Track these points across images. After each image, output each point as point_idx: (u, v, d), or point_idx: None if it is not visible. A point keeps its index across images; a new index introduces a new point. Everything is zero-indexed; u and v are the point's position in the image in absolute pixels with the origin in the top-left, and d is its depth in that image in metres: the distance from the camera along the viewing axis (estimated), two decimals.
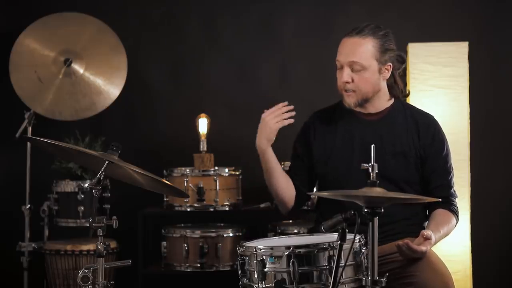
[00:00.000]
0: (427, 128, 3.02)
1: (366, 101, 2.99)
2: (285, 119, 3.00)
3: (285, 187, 3.06)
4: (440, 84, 3.98)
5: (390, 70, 3.01)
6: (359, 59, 2.94)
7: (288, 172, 3.15)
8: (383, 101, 3.04)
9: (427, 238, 2.77)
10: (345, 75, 2.95)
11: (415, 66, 3.96)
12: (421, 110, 3.13)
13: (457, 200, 3.05)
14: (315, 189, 3.20)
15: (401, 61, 3.09)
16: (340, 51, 2.98)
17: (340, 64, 2.97)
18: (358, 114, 3.04)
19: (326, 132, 3.06)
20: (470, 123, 4.00)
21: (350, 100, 2.98)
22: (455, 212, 3.00)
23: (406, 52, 3.97)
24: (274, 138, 3.01)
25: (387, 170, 2.90)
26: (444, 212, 2.97)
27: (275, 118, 2.99)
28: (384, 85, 3.03)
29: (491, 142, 4.54)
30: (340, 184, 2.92)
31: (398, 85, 3.10)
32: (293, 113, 3.00)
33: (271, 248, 2.47)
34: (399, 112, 3.06)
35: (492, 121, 4.56)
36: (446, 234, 2.96)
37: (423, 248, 2.74)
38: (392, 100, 3.08)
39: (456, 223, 3.02)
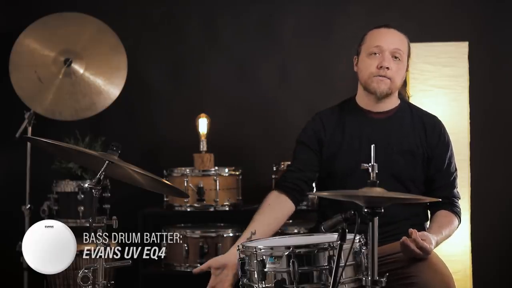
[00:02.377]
0: (433, 129, 3.03)
1: (391, 94, 2.99)
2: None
3: (279, 220, 2.97)
4: (440, 84, 3.99)
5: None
6: (402, 48, 2.98)
7: (291, 166, 3.06)
8: (393, 101, 3.05)
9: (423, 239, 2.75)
10: (387, 60, 2.94)
11: (415, 66, 3.96)
12: (425, 111, 3.13)
13: (460, 201, 3.04)
14: (315, 189, 3.19)
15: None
16: (380, 39, 2.98)
17: (380, 50, 2.95)
18: (366, 112, 3.04)
19: (334, 131, 3.04)
20: (470, 123, 4.00)
21: (382, 86, 2.95)
22: (457, 213, 2.99)
23: None
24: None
25: (395, 168, 2.92)
26: (446, 213, 2.97)
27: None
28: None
29: (491, 142, 4.54)
30: (346, 183, 2.91)
31: (405, 89, 3.13)
32: None
33: (271, 248, 2.47)
34: (406, 112, 3.06)
35: (492, 121, 4.56)
36: (449, 236, 2.95)
37: (427, 245, 2.72)
38: (399, 100, 3.08)
39: (458, 225, 3.01)
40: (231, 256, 2.71)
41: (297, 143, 3.10)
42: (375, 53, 2.96)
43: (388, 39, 2.98)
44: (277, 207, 3.00)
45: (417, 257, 2.74)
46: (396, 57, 2.96)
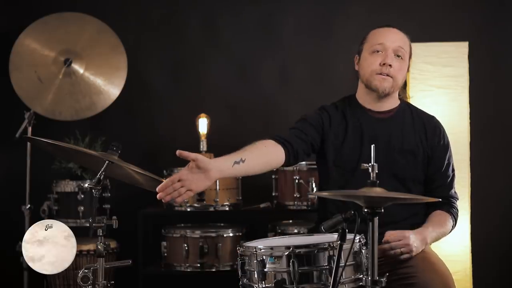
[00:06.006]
0: (433, 130, 3.04)
1: (392, 92, 2.99)
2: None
3: (267, 165, 2.88)
4: (440, 84, 3.99)
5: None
6: (405, 47, 2.99)
7: (291, 131, 3.00)
8: (394, 101, 3.05)
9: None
10: (389, 57, 2.94)
11: (415, 66, 3.96)
12: (424, 111, 3.14)
13: (458, 202, 3.04)
14: (315, 189, 3.18)
15: None
16: (383, 37, 2.98)
17: (383, 48, 2.96)
18: (368, 111, 3.04)
19: (339, 127, 3.02)
20: (470, 123, 4.00)
21: (385, 84, 2.95)
22: (452, 214, 2.99)
23: None
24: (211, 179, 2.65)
25: (396, 168, 2.93)
26: (440, 213, 2.97)
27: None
28: None
29: (491, 142, 4.54)
30: (346, 181, 2.92)
31: (404, 90, 3.13)
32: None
33: (271, 248, 2.47)
34: (406, 112, 3.07)
35: (492, 121, 4.56)
36: (442, 234, 2.95)
37: (406, 233, 2.76)
38: (399, 101, 3.09)
39: (453, 225, 3.00)
40: (218, 165, 2.68)
41: (301, 119, 3.04)
42: (378, 51, 2.97)
43: (391, 37, 2.99)
44: (272, 152, 2.90)
45: (404, 253, 2.77)
46: (398, 56, 2.97)
